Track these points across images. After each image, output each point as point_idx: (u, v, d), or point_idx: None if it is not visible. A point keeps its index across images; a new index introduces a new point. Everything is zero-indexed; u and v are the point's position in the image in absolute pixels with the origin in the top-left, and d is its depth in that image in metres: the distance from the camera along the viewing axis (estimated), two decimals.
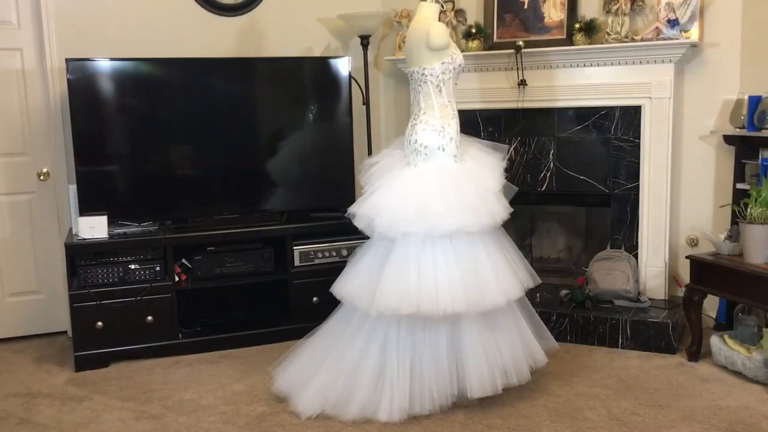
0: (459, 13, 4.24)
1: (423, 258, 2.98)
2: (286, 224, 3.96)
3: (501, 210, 3.05)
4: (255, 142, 4.04)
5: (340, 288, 3.15)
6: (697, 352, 3.46)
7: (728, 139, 3.71)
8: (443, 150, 3.08)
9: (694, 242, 3.94)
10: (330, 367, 3.06)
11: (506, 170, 3.17)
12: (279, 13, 4.34)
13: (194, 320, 3.98)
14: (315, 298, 3.96)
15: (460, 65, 3.14)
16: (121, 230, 3.74)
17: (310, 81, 4.11)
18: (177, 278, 3.81)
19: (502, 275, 3.02)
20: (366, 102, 4.26)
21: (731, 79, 3.74)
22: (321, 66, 4.11)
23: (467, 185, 3.01)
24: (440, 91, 3.11)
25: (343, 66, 4.06)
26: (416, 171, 3.09)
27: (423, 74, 3.09)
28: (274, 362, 3.33)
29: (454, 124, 3.13)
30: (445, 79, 3.10)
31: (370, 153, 4.30)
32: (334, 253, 4.02)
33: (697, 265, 3.43)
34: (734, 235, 3.41)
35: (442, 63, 3.07)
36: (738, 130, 3.61)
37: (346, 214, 3.22)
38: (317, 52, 4.44)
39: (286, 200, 4.08)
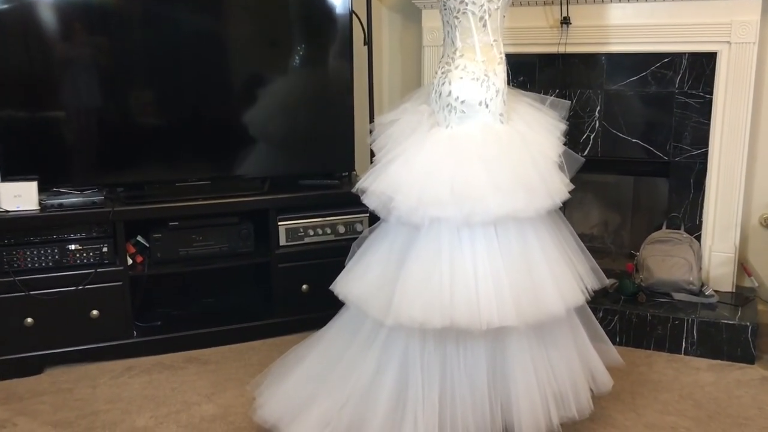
0: None
1: (458, 252, 2.22)
2: (269, 194, 3.15)
3: (562, 188, 2.28)
4: (230, 90, 3.20)
5: (345, 287, 2.38)
6: None
7: None
8: (486, 106, 2.29)
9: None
10: (333, 391, 2.31)
11: (565, 134, 2.40)
12: None
13: (152, 313, 3.20)
14: (304, 286, 3.19)
15: None
16: (56, 200, 2.91)
17: (299, 14, 3.26)
18: (130, 261, 3.01)
19: (560, 275, 2.27)
20: (368, 42, 3.43)
21: None
22: None
23: (521, 155, 2.23)
24: (484, 25, 2.30)
25: None
26: (450, 134, 2.30)
27: (462, 1, 2.27)
28: (255, 375, 2.58)
29: (501, 71, 2.33)
30: (491, 10, 2.29)
31: (371, 106, 3.48)
32: (328, 230, 3.24)
33: None
34: None
35: None
36: None
37: (355, 190, 2.42)
38: None
39: (269, 163, 3.26)
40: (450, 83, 2.29)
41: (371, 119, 3.49)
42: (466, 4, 2.26)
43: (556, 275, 2.25)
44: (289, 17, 3.23)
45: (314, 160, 3.32)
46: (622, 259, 3.50)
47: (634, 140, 3.29)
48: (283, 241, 3.17)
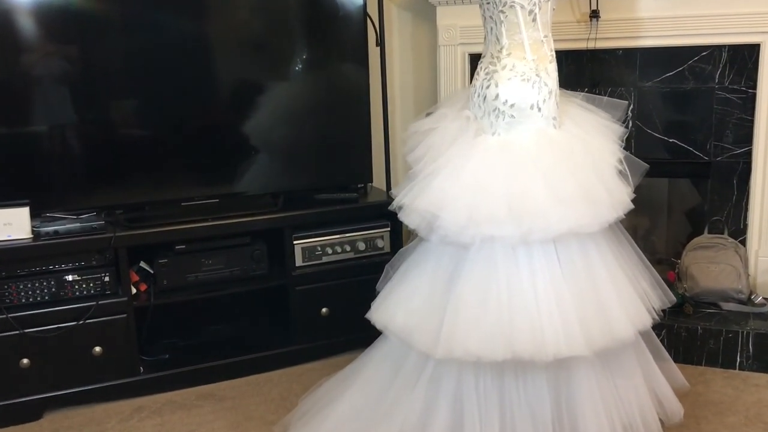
0: None
1: (515, 274, 1.99)
2: (283, 211, 2.89)
3: (626, 198, 2.05)
4: (237, 100, 2.92)
5: (385, 315, 2.14)
6: None
7: None
8: (538, 109, 2.05)
9: None
10: None
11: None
12: None
13: (159, 345, 2.93)
14: (324, 309, 2.94)
15: None
16: (50, 227, 2.62)
17: (308, 15, 2.99)
18: (134, 290, 2.73)
19: (626, 295, 2.05)
20: (380, 43, 3.18)
21: None
22: None
23: (582, 163, 2.00)
24: (534, 20, 2.07)
25: None
26: (499, 142, 2.06)
27: None
28: (277, 411, 2.35)
29: (553, 70, 2.10)
30: (541, 2, 2.06)
31: (385, 112, 3.23)
32: (347, 248, 2.99)
33: None
34: None
35: None
36: None
37: (393, 207, 2.17)
38: None
39: (281, 178, 3.00)
40: (497, 85, 2.06)
41: (386, 126, 3.24)
42: None
43: (622, 295, 2.03)
44: (297, 18, 2.96)
45: (329, 173, 3.06)
46: (656, 267, 3.27)
47: (671, 140, 3.07)
48: (299, 262, 2.91)
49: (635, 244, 2.20)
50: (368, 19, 3.06)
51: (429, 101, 3.50)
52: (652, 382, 2.17)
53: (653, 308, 2.10)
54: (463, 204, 1.97)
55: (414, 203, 2.05)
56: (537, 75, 2.05)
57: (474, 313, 1.95)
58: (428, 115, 3.08)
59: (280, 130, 2.98)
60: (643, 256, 2.20)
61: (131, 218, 2.76)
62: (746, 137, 2.96)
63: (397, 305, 2.11)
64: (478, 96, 2.11)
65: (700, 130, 3.03)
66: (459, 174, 2.01)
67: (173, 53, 2.77)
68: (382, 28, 3.16)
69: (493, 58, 2.10)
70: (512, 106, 2.04)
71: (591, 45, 3.03)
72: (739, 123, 2.96)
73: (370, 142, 3.07)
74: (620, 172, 2.06)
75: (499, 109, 2.05)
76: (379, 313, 2.15)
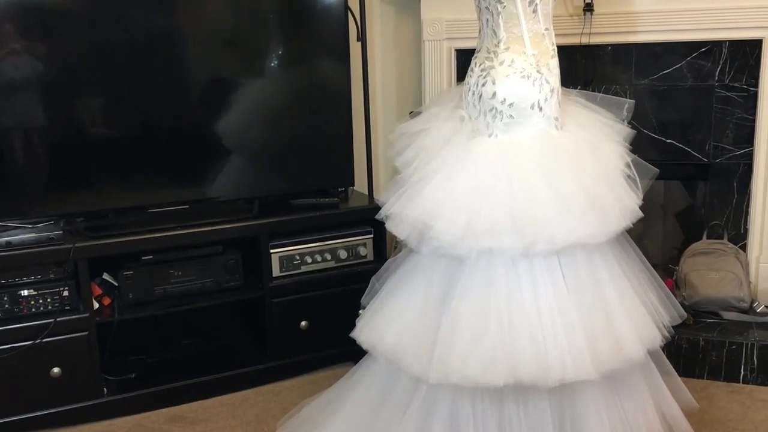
0: None
1: (516, 289, 1.81)
2: (259, 218, 2.69)
3: (635, 206, 1.89)
4: (208, 99, 2.70)
5: (372, 335, 1.95)
6: None
7: None
8: (540, 109, 1.88)
9: None
10: None
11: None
12: None
13: (124, 363, 2.71)
14: (303, 322, 2.74)
15: None
16: (2, 238, 2.39)
17: (285, 7, 2.79)
18: (96, 305, 2.52)
19: (635, 311, 1.88)
20: (362, 38, 2.99)
21: None
22: None
23: (590, 168, 1.83)
24: (534, 11, 1.89)
25: None
26: (498, 144, 1.88)
27: None
28: None
29: (555, 66, 1.93)
30: None
31: (366, 111, 3.04)
32: (328, 256, 2.79)
33: None
34: None
35: None
36: None
37: (380, 216, 1.98)
38: None
39: (256, 182, 2.79)
40: (494, 82, 1.88)
41: (367, 126, 3.05)
42: None
43: (631, 311, 1.86)
44: (274, 12, 2.75)
45: (308, 176, 2.86)
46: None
47: (668, 140, 2.92)
48: (276, 272, 2.71)
49: (642, 254, 2.04)
50: (349, 12, 2.87)
51: (413, 100, 3.32)
52: (660, 404, 2.00)
53: (663, 325, 1.94)
54: (460, 213, 1.79)
55: (404, 212, 1.86)
56: (538, 71, 1.87)
57: (472, 334, 1.77)
58: (414, 114, 2.90)
59: (255, 131, 2.78)
60: (651, 268, 2.04)
61: (93, 227, 2.54)
62: (747, 137, 2.82)
63: (386, 324, 1.92)
64: (473, 94, 1.92)
65: (699, 130, 2.89)
66: (454, 179, 1.83)
67: (140, 49, 2.56)
68: (364, 22, 2.97)
69: (489, 53, 1.92)
70: (511, 105, 1.86)
71: (585, 40, 2.87)
72: (740, 123, 2.82)
73: (352, 143, 2.88)
74: (629, 177, 1.89)
75: (496, 108, 1.87)
76: (366, 333, 1.96)
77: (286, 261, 2.73)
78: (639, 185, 1.89)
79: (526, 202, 1.75)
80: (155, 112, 2.63)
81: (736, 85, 2.80)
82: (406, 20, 3.28)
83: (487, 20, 1.94)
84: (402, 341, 1.88)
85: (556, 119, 1.90)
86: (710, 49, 2.81)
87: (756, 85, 2.77)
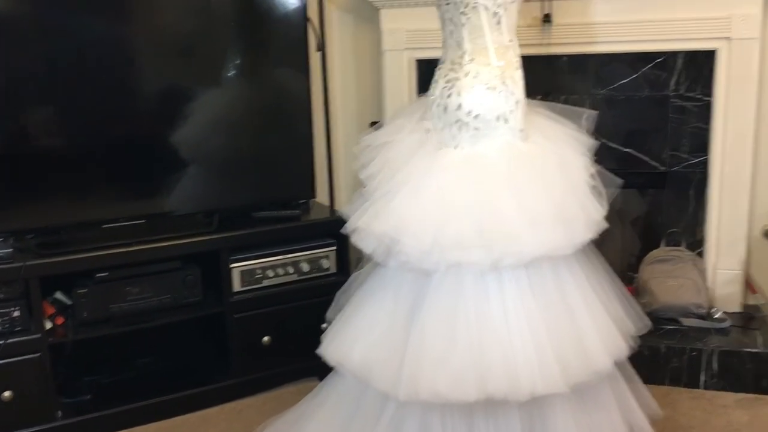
0: None
1: (484, 303, 1.80)
2: (218, 232, 2.63)
3: (599, 217, 1.89)
4: (164, 109, 2.63)
5: (339, 352, 1.92)
6: None
7: None
8: (505, 121, 1.87)
9: None
10: None
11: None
12: None
13: (79, 384, 2.62)
14: (266, 338, 2.69)
15: None
16: None
17: (243, 15, 2.73)
18: (49, 325, 2.42)
19: (602, 322, 1.89)
20: (321, 47, 2.96)
21: None
22: None
23: (556, 180, 1.83)
24: (498, 22, 1.88)
25: None
26: (465, 156, 1.86)
27: None
28: None
29: (520, 78, 1.93)
30: (507, 3, 1.87)
31: (327, 122, 3.01)
32: (290, 270, 2.74)
33: None
34: None
35: None
36: None
37: (346, 230, 1.95)
38: None
39: (216, 194, 2.73)
40: (459, 94, 1.87)
41: (328, 137, 3.02)
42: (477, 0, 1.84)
43: (597, 322, 1.87)
44: (232, 21, 2.70)
45: (269, 188, 2.81)
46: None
47: (626, 149, 2.96)
48: (237, 287, 2.65)
49: (606, 264, 2.05)
50: (308, 22, 2.83)
51: (373, 110, 3.29)
52: (626, 413, 2.01)
53: (629, 335, 1.95)
54: (427, 226, 1.77)
55: (371, 226, 1.83)
56: (503, 83, 1.87)
57: (441, 349, 1.75)
58: (375, 124, 2.88)
59: (214, 142, 2.71)
60: (616, 277, 2.05)
61: (44, 243, 2.45)
62: (702, 146, 2.87)
63: (353, 340, 1.89)
64: (438, 106, 1.91)
65: (656, 139, 2.93)
66: (421, 192, 1.81)
67: (92, 58, 2.48)
68: (323, 32, 2.94)
69: (454, 64, 1.91)
70: (477, 117, 1.85)
71: (543, 51, 2.89)
72: (695, 132, 2.87)
73: (313, 154, 2.84)
74: (594, 188, 1.90)
75: (462, 120, 1.86)
76: (332, 349, 1.92)
77: (248, 275, 2.67)
78: (604, 196, 1.90)
79: (494, 215, 1.74)
80: (109, 123, 2.55)
81: (691, 95, 2.85)
82: (366, 30, 3.25)
83: (451, 32, 1.93)
84: (370, 357, 1.85)
85: (522, 131, 1.90)
86: (666, 59, 2.85)
87: (710, 94, 2.82)
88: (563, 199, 1.80)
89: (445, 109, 1.89)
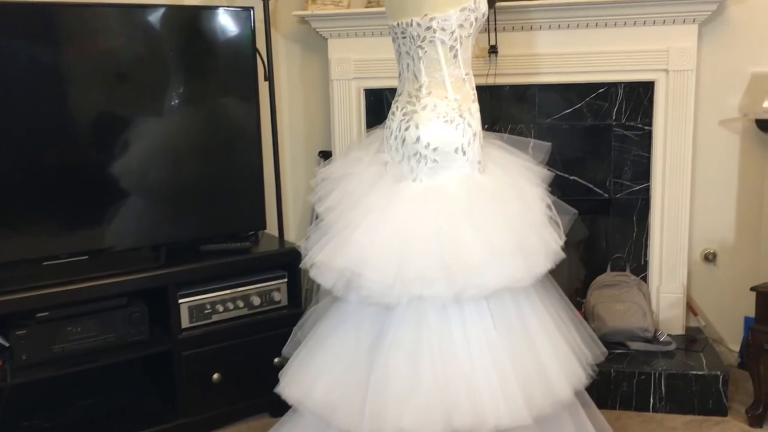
0: None
1: (447, 336, 1.79)
2: (165, 266, 2.55)
3: (557, 247, 1.92)
4: (110, 139, 2.54)
5: (299, 390, 1.87)
6: (763, 414, 2.59)
7: (766, 125, 2.85)
8: (463, 153, 1.88)
9: (711, 257, 3.06)
10: None
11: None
12: None
13: (16, 428, 2.47)
14: (216, 375, 2.61)
15: (484, 15, 1.94)
16: None
17: (189, 43, 2.67)
18: None
19: (562, 352, 1.90)
20: (269, 77, 2.92)
21: (761, 46, 2.87)
22: (205, 21, 2.67)
23: (515, 211, 1.84)
24: (455, 56, 1.90)
25: (241, 23, 2.69)
26: (423, 189, 1.86)
27: (428, 28, 1.85)
28: None
29: (476, 111, 1.94)
30: (462, 37, 1.89)
31: (275, 150, 2.97)
32: (240, 304, 2.68)
33: (767, 300, 2.53)
34: None
35: (462, 9, 1.85)
36: None
37: (304, 265, 1.91)
38: (190, 0, 3.00)
39: (162, 227, 2.64)
40: (417, 127, 1.87)
41: (276, 167, 2.98)
42: (434, 32, 1.85)
43: (558, 352, 1.88)
44: (177, 48, 2.63)
45: (217, 220, 2.74)
46: None
47: (571, 177, 3.02)
48: (186, 323, 2.57)
49: (562, 292, 2.07)
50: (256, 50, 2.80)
51: (321, 139, 3.27)
52: None
53: (587, 363, 1.97)
54: (389, 260, 1.76)
55: (332, 261, 1.80)
56: (460, 116, 1.88)
57: (405, 385, 1.73)
58: (323, 154, 2.87)
59: (161, 173, 2.63)
60: (571, 305, 2.07)
61: None
62: (644, 174, 2.96)
63: (313, 378, 1.85)
64: (396, 138, 1.91)
65: (600, 167, 3.01)
66: (381, 226, 1.79)
67: (29, 84, 2.37)
68: (270, 60, 2.91)
69: (411, 97, 1.91)
70: (435, 149, 1.86)
71: (490, 81, 2.93)
72: (637, 160, 2.96)
73: (263, 184, 2.80)
74: (551, 218, 1.92)
75: (420, 153, 1.86)
76: (292, 388, 1.88)
77: (196, 311, 2.59)
78: (561, 226, 1.92)
79: (456, 247, 1.74)
80: (48, 155, 2.44)
81: (632, 124, 2.94)
82: (313, 59, 3.24)
83: (408, 65, 1.93)
84: (332, 395, 1.81)
85: (479, 162, 1.91)
86: (607, 90, 2.94)
87: (650, 124, 2.91)
88: (523, 230, 1.81)
89: (403, 141, 1.88)
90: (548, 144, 2.07)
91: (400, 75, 1.99)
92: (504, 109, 3.01)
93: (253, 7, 2.70)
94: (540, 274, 1.85)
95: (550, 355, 1.85)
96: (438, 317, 1.78)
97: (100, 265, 2.48)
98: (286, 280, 2.75)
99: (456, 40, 1.87)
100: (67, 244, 2.49)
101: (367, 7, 3.00)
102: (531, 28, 2.92)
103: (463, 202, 1.82)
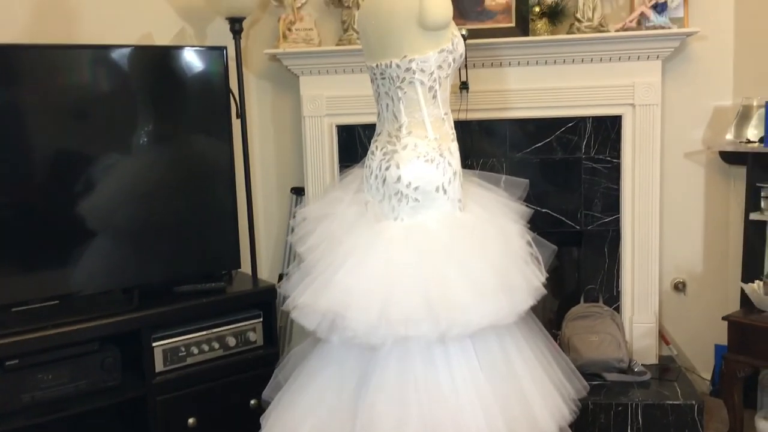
0: None
1: (433, 377, 1.78)
2: (138, 310, 2.49)
3: (539, 283, 1.93)
4: (75, 179, 2.49)
5: None
6: None
7: (729, 157, 2.93)
8: (444, 192, 1.89)
9: (681, 286, 3.12)
10: None
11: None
12: None
13: None
14: (191, 419, 2.55)
15: (461, 56, 1.96)
16: None
17: (158, 79, 2.64)
18: None
19: (545, 389, 1.91)
20: (241, 114, 2.92)
21: (722, 80, 2.97)
22: (178, 60, 2.65)
23: (497, 249, 1.85)
24: (434, 96, 1.91)
25: (214, 62, 2.68)
26: (405, 228, 1.86)
27: (408, 69, 1.87)
28: None
29: (456, 150, 1.96)
30: (441, 78, 1.91)
31: (248, 188, 2.96)
32: (216, 345, 2.63)
33: (739, 329, 2.57)
34: None
35: (440, 51, 1.87)
36: (748, 144, 2.83)
37: (286, 305, 1.89)
38: (160, 40, 2.98)
39: (134, 269, 2.58)
40: (398, 167, 1.88)
41: (249, 205, 2.96)
42: (414, 73, 1.87)
43: (542, 390, 1.89)
44: (143, 87, 2.60)
45: (191, 260, 2.70)
46: None
47: (543, 210, 3.05)
48: (160, 367, 2.52)
49: (542, 326, 2.08)
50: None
51: (293, 176, 3.26)
52: None
53: (570, 398, 1.98)
54: (374, 300, 1.75)
55: (316, 303, 1.78)
56: (441, 155, 1.89)
57: (392, 426, 1.71)
58: (295, 191, 2.86)
59: (132, 213, 2.58)
60: (552, 339, 2.09)
61: None
62: (614, 205, 3.01)
63: (297, 423, 1.82)
64: (376, 178, 1.91)
65: (571, 200, 3.05)
66: (364, 266, 1.79)
67: None
68: (243, 99, 2.91)
69: (391, 137, 1.92)
70: (416, 188, 1.87)
71: (462, 116, 2.96)
72: (607, 192, 3.01)
73: (237, 223, 2.77)
74: (531, 255, 1.94)
75: (402, 192, 1.87)
76: (276, 430, 1.84)
77: (171, 354, 2.54)
78: (542, 263, 1.94)
79: (440, 287, 1.74)
80: (10, 196, 2.37)
81: (601, 157, 3.00)
82: (285, 96, 3.24)
83: (387, 105, 1.95)
84: None
85: (460, 201, 1.92)
86: (576, 124, 2.99)
87: (618, 156, 2.97)
88: (505, 267, 1.82)
89: (384, 181, 1.89)
90: (525, 181, 2.09)
91: (379, 114, 2.00)
92: (475, 144, 3.04)
93: (226, 47, 2.69)
94: (523, 311, 1.86)
95: (535, 393, 1.85)
96: (423, 357, 1.78)
97: (72, 309, 2.42)
98: (261, 319, 2.71)
99: (435, 80, 1.89)
100: (37, 289, 2.42)
101: (338, 44, 3.03)
102: (500, 64, 2.97)
103: (445, 241, 1.82)
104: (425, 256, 1.79)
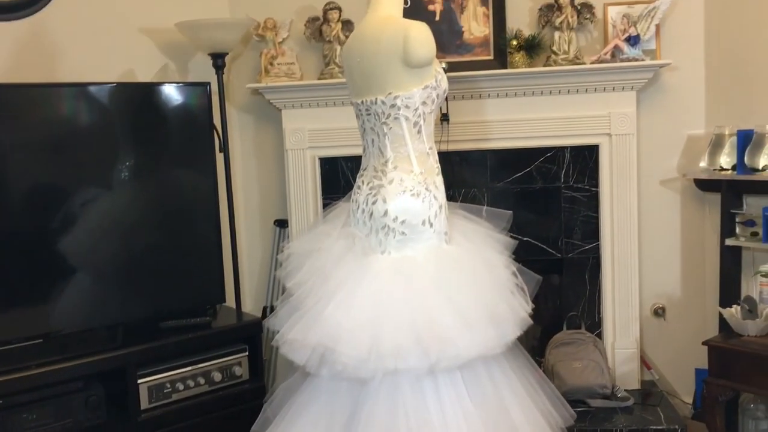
0: (346, 24, 3.09)
1: (423, 409, 1.79)
2: (123, 347, 2.48)
3: (525, 314, 1.96)
4: (57, 215, 2.49)
5: None
6: None
7: (704, 184, 3.00)
8: (430, 225, 1.92)
9: (660, 312, 3.17)
10: None
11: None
12: (80, 17, 2.84)
13: None
14: None
15: (444, 91, 2.00)
16: None
17: (140, 114, 2.65)
18: None
19: (534, 420, 1.92)
20: (224, 148, 2.93)
21: (695, 110, 3.05)
22: (162, 96, 2.67)
23: (485, 281, 1.88)
24: (419, 131, 1.95)
25: (197, 97, 2.71)
26: (392, 262, 1.89)
27: (393, 105, 1.91)
28: None
29: (441, 183, 2.00)
30: (425, 114, 1.95)
31: (232, 222, 2.96)
32: (201, 381, 2.62)
33: (719, 354, 2.62)
34: (752, 308, 2.66)
35: (425, 87, 1.92)
36: (721, 172, 2.90)
37: (275, 340, 1.89)
38: (143, 76, 3.00)
39: (118, 306, 2.58)
40: (385, 201, 1.91)
41: (233, 238, 2.96)
42: (398, 109, 1.90)
43: (530, 420, 1.91)
44: (125, 122, 2.61)
45: (175, 296, 2.70)
46: None
47: (525, 238, 3.09)
48: (145, 404, 2.50)
49: (528, 355, 2.11)
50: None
51: (276, 208, 3.28)
52: None
53: (558, 427, 2.00)
54: (363, 334, 1.76)
55: (305, 338, 1.79)
56: (426, 189, 1.93)
57: None
58: (278, 223, 2.87)
59: (117, 252, 2.58)
60: (538, 368, 2.11)
61: None
62: (594, 233, 3.06)
63: None
64: (363, 212, 1.94)
65: (551, 228, 3.10)
66: (353, 300, 1.81)
67: None
68: (225, 133, 2.93)
69: (377, 171, 1.95)
70: (403, 222, 1.89)
71: (443, 147, 3.00)
72: (586, 220, 3.06)
73: (221, 257, 2.77)
74: (517, 285, 1.97)
75: (388, 226, 1.89)
76: None
77: (156, 390, 2.52)
78: (527, 293, 1.97)
79: (429, 320, 1.76)
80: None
81: (579, 185, 3.05)
82: (267, 130, 3.27)
83: (373, 140, 1.98)
84: None
85: (446, 233, 1.95)
86: (555, 154, 3.05)
87: (597, 185, 3.03)
88: (493, 299, 1.85)
89: (371, 215, 1.91)
90: (509, 212, 2.13)
91: (364, 149, 2.03)
92: (457, 174, 3.09)
93: (209, 83, 2.72)
94: (510, 342, 1.89)
95: (524, 422, 1.87)
96: (413, 390, 1.79)
97: (55, 348, 2.40)
98: (246, 353, 2.71)
99: (420, 116, 1.93)
100: (19, 328, 2.41)
101: (320, 78, 3.06)
102: (480, 96, 3.02)
103: (432, 273, 1.85)
104: (413, 289, 1.82)
